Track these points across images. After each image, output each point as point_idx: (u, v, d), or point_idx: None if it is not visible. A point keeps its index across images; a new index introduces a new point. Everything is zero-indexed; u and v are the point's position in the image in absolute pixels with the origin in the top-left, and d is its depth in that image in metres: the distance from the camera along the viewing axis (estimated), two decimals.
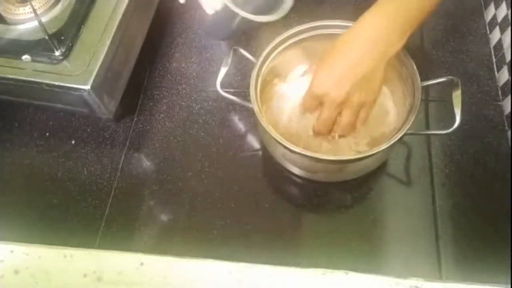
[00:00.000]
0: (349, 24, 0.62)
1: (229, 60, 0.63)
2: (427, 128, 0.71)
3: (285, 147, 0.56)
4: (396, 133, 0.56)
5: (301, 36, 0.66)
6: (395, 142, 0.55)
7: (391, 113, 0.66)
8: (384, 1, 0.53)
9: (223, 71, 0.63)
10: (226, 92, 0.62)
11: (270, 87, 0.68)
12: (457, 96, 0.58)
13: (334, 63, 0.54)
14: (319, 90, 0.55)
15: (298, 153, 0.56)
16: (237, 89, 0.76)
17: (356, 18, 0.57)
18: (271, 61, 0.65)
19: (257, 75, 0.62)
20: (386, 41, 0.52)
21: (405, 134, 0.56)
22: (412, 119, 0.56)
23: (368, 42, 0.52)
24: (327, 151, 0.62)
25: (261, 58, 0.63)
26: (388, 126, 0.65)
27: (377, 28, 0.52)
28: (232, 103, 0.75)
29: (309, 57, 0.68)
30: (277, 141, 0.56)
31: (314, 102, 0.57)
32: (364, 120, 0.59)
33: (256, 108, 0.58)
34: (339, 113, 0.57)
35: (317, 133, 0.60)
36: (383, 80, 0.55)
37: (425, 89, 0.73)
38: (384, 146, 0.55)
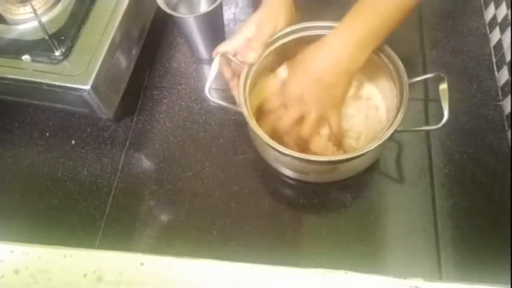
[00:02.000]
0: (334, 24, 0.62)
1: (216, 66, 0.61)
2: (427, 134, 0.71)
3: (277, 150, 0.56)
4: (386, 131, 0.56)
5: (291, 37, 0.65)
6: (385, 141, 0.55)
7: (381, 111, 0.66)
8: (349, 20, 0.56)
9: (211, 77, 0.61)
10: (217, 90, 0.61)
11: (262, 80, 0.67)
12: (443, 91, 0.58)
13: (302, 77, 0.58)
14: (287, 97, 0.59)
15: (289, 155, 0.55)
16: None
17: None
18: (260, 63, 0.64)
19: (246, 78, 0.62)
20: (349, 59, 0.56)
21: (395, 132, 0.55)
22: (401, 117, 0.55)
23: (332, 60, 0.56)
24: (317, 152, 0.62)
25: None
26: (380, 124, 0.64)
27: (341, 47, 0.55)
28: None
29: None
30: (268, 144, 0.56)
31: (278, 102, 0.61)
32: (338, 129, 0.61)
33: (245, 112, 0.58)
34: (301, 120, 0.59)
35: (281, 132, 0.62)
36: (345, 93, 0.59)
37: (425, 89, 0.73)
38: (374, 145, 0.54)
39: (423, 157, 0.69)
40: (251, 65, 0.62)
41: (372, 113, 0.66)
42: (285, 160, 0.60)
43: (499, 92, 0.74)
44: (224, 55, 0.62)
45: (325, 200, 0.67)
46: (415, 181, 0.67)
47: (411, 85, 0.58)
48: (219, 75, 0.63)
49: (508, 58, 0.72)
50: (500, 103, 0.73)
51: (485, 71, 0.76)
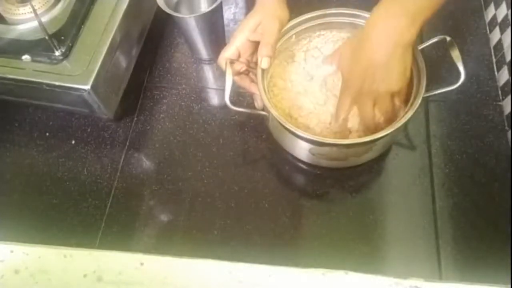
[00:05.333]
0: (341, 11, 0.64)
1: (230, 76, 0.60)
2: (427, 126, 0.71)
3: (317, 142, 0.57)
4: (416, 97, 0.58)
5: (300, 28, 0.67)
6: (416, 109, 0.57)
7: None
8: None
9: (228, 87, 0.60)
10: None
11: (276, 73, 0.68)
12: (454, 52, 0.59)
13: (359, 59, 0.56)
14: (354, 85, 0.57)
15: (330, 144, 0.57)
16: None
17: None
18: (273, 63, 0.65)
19: (263, 79, 0.62)
20: (399, 30, 0.53)
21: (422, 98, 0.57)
22: (424, 82, 0.58)
23: (385, 38, 0.53)
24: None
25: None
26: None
27: (390, 19, 0.53)
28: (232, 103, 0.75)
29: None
30: (308, 139, 0.57)
31: (348, 101, 0.59)
32: (400, 107, 0.60)
33: (275, 114, 0.58)
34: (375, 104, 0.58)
35: (366, 129, 0.61)
36: (404, 67, 0.56)
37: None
38: (410, 114, 0.56)
39: (423, 157, 0.69)
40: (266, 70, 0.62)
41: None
42: (322, 151, 0.61)
43: (499, 92, 0.74)
44: (230, 61, 0.62)
45: (325, 200, 0.67)
46: (415, 181, 0.67)
47: None
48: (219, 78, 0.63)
49: (508, 58, 0.72)
50: (500, 103, 0.73)
51: (485, 71, 0.76)
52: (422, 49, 0.62)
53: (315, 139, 0.57)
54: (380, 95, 0.57)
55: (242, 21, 0.63)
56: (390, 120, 0.60)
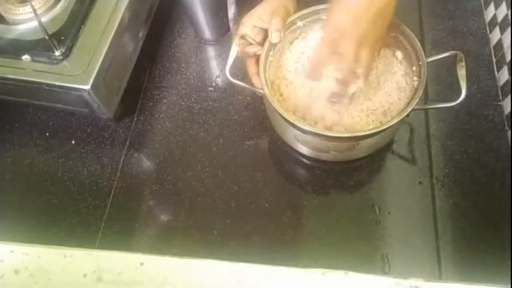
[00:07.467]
0: None
1: (236, 48, 0.61)
2: (427, 126, 0.71)
3: (299, 128, 0.57)
4: (405, 107, 0.57)
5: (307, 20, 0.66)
6: (403, 118, 0.56)
7: (406, 91, 0.65)
8: None
9: (231, 57, 0.60)
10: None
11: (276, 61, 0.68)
12: (461, 69, 0.59)
13: (349, 4, 0.52)
14: (337, 31, 0.53)
15: (311, 132, 0.56)
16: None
17: None
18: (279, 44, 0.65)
19: (265, 59, 0.62)
20: None
21: (413, 110, 0.57)
22: (420, 93, 0.57)
23: None
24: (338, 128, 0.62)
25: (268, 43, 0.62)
26: (399, 104, 0.64)
27: None
28: (232, 103, 0.75)
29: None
30: (290, 122, 0.57)
31: (328, 49, 0.55)
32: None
33: (267, 92, 0.58)
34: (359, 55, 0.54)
35: (342, 83, 0.58)
36: (393, 15, 0.54)
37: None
38: (393, 121, 0.56)
39: (423, 157, 0.69)
40: (270, 47, 0.62)
41: (395, 91, 0.66)
42: (305, 138, 0.60)
43: (499, 92, 0.74)
44: (243, 37, 0.62)
45: (325, 200, 0.67)
46: (415, 180, 0.67)
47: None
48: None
49: (508, 58, 0.72)
50: (500, 103, 0.73)
51: (485, 71, 0.76)
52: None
53: (293, 121, 0.57)
54: (371, 42, 0.53)
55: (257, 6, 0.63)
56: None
